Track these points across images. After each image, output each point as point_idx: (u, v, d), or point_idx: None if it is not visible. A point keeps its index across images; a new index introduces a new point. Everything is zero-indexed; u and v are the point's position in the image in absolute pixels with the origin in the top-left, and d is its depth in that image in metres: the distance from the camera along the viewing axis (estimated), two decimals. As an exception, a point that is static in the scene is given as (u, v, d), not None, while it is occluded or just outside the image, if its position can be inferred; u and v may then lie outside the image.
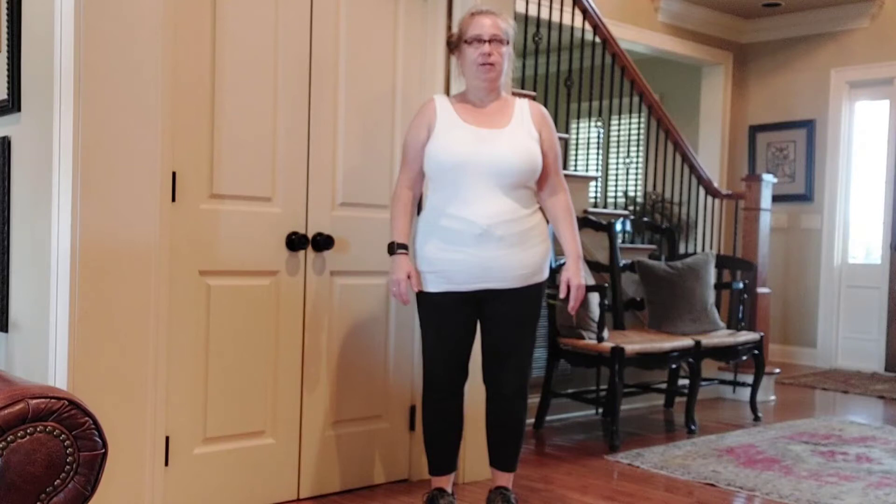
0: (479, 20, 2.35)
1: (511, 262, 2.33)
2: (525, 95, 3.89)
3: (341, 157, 2.70)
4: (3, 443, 1.16)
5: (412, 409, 2.91)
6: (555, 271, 3.75)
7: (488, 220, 2.29)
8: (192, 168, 2.37)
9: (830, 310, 6.02)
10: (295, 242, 2.58)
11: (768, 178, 4.65)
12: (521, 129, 2.37)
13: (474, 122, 2.36)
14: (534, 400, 3.84)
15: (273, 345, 2.56)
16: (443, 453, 2.49)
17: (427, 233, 2.38)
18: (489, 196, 2.30)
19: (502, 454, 2.50)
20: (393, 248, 2.40)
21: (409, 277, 2.37)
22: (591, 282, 3.83)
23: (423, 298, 2.41)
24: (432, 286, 2.37)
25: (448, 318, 2.39)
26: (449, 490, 2.52)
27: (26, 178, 2.24)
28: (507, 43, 2.37)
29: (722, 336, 4.03)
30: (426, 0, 2.88)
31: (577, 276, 2.43)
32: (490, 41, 2.32)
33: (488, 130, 2.35)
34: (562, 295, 2.43)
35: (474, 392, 2.63)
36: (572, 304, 2.43)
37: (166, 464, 2.34)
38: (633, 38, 5.54)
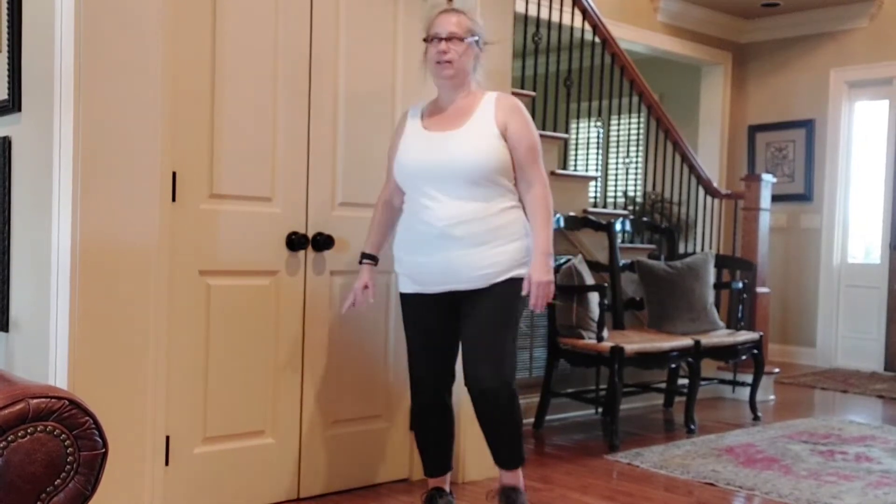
0: (439, 19, 2.35)
1: (473, 262, 2.29)
2: (525, 95, 3.90)
3: (341, 157, 2.71)
4: (4, 442, 1.16)
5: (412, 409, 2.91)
6: (555, 271, 3.75)
7: (445, 222, 2.29)
8: (192, 168, 2.38)
9: (830, 309, 6.03)
10: (295, 242, 2.59)
11: (768, 178, 4.66)
12: (478, 126, 2.32)
13: (433, 126, 2.38)
14: (533, 399, 3.84)
15: (273, 344, 2.57)
16: (434, 455, 2.51)
17: (399, 237, 2.44)
18: (448, 198, 2.29)
19: (500, 451, 2.45)
20: (360, 258, 2.54)
21: (366, 287, 2.49)
22: (591, 281, 3.83)
23: (401, 300, 2.48)
24: (405, 287, 2.44)
25: (422, 319, 2.42)
26: (447, 489, 2.53)
27: (27, 177, 2.24)
28: (470, 39, 2.33)
29: (721, 336, 4.03)
30: (426, 0, 2.88)
31: (538, 272, 2.30)
32: (447, 39, 2.31)
33: (441, 134, 2.34)
34: (524, 292, 2.32)
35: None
36: (533, 302, 2.31)
37: (166, 463, 2.34)
38: (632, 37, 5.55)
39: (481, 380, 2.34)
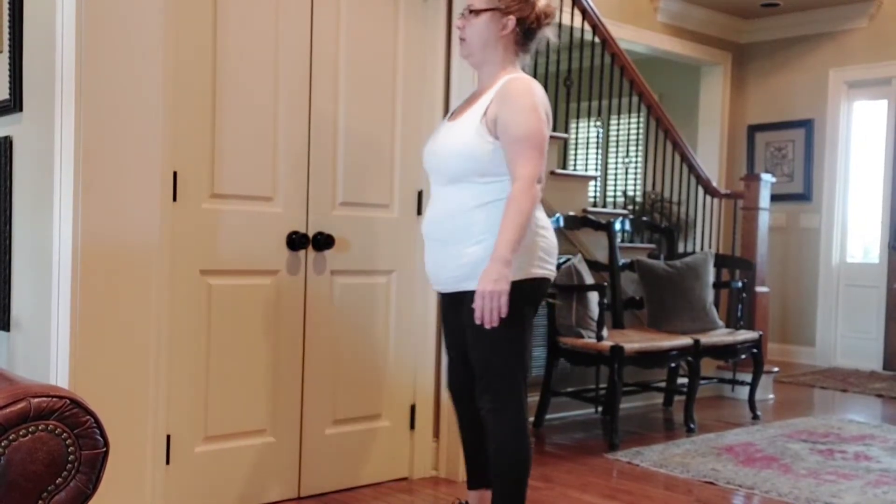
0: None
1: (443, 263, 2.12)
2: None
3: (341, 157, 2.71)
4: (6, 441, 1.16)
5: (412, 408, 2.92)
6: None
7: (424, 219, 2.20)
8: (194, 168, 2.38)
9: (829, 309, 6.04)
10: (295, 242, 2.59)
11: (767, 178, 4.67)
12: (470, 118, 2.10)
13: (453, 116, 2.23)
14: (534, 399, 3.85)
15: (274, 344, 2.57)
16: (468, 461, 2.32)
17: None
18: (435, 195, 2.17)
19: (493, 491, 2.13)
20: None
21: None
22: (591, 280, 3.84)
23: None
24: None
25: (444, 315, 2.30)
26: None
27: (28, 177, 2.25)
28: (486, 10, 2.07)
29: (721, 335, 4.04)
30: (426, 0, 2.89)
31: (483, 279, 1.96)
32: (462, 14, 2.14)
33: (449, 125, 2.19)
34: (474, 304, 1.99)
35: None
36: (477, 315, 1.97)
37: (167, 462, 2.35)
38: (632, 38, 5.55)
39: (480, 409, 2.14)
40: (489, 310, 1.96)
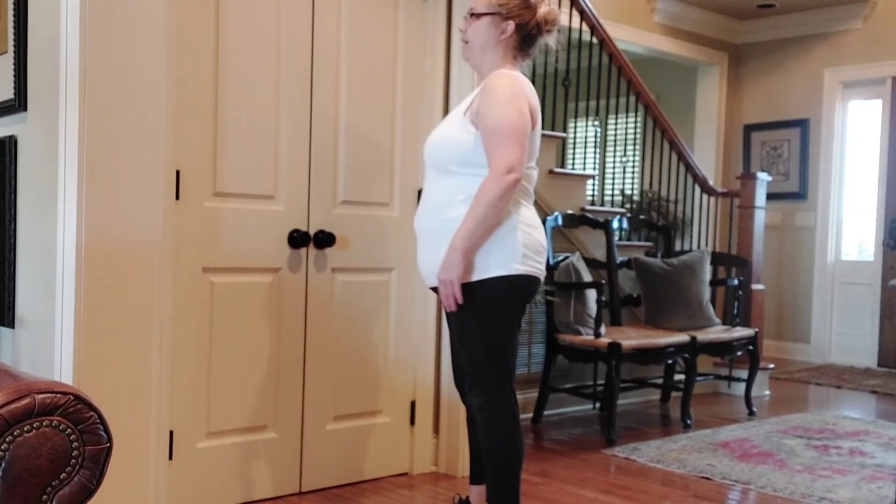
0: None
1: (430, 260, 2.10)
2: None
3: (342, 156, 2.74)
4: (10, 437, 1.17)
5: (412, 405, 2.94)
6: (552, 268, 3.79)
7: (416, 214, 2.20)
8: (196, 166, 2.40)
9: (824, 306, 6.08)
10: (297, 240, 2.62)
11: (763, 177, 4.70)
12: (457, 111, 2.14)
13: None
14: (532, 395, 3.88)
15: (275, 340, 2.60)
16: (472, 458, 2.33)
17: None
18: (426, 189, 2.17)
19: (488, 484, 2.12)
20: None
21: None
22: (589, 278, 3.87)
23: None
24: None
25: (447, 311, 2.29)
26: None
27: (32, 176, 2.27)
28: (486, 14, 2.09)
29: (717, 332, 4.07)
30: (426, 0, 2.91)
31: (440, 268, 2.02)
32: (465, 17, 2.17)
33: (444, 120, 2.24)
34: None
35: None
36: (444, 302, 2.05)
37: (170, 457, 2.37)
38: (629, 38, 5.58)
39: (469, 406, 2.16)
40: (444, 297, 2.02)
